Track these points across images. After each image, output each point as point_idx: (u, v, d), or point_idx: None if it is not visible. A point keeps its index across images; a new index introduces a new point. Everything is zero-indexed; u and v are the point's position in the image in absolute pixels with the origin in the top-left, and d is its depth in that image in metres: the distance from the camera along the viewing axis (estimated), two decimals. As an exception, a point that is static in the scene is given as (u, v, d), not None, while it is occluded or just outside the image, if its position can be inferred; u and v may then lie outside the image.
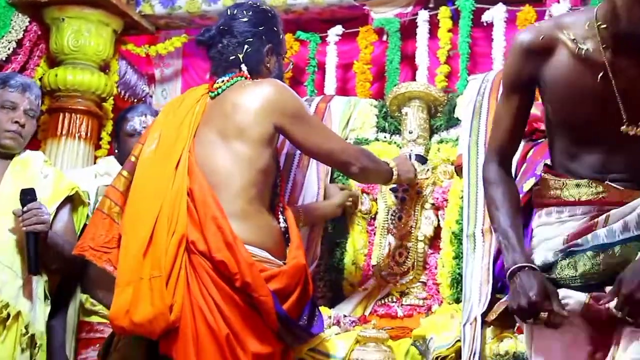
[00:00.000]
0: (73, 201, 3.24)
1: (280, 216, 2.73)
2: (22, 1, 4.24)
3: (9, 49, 4.19)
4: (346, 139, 3.58)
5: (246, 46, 2.78)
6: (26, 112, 3.15)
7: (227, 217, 2.48)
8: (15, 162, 3.15)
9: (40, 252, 2.94)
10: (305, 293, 2.60)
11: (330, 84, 4.18)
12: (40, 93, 3.29)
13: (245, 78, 2.77)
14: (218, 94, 2.76)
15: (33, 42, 4.33)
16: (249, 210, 2.55)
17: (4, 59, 4.17)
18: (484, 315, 2.69)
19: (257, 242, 2.52)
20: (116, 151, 3.68)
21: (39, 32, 4.36)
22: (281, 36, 2.92)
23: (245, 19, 2.81)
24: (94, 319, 3.23)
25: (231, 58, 2.79)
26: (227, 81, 2.77)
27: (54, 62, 4.39)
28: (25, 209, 2.91)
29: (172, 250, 2.43)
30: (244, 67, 2.78)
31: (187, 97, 2.85)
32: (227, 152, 2.60)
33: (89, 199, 3.38)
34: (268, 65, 2.84)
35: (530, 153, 2.97)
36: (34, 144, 4.32)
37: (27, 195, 2.94)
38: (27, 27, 4.30)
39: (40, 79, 4.32)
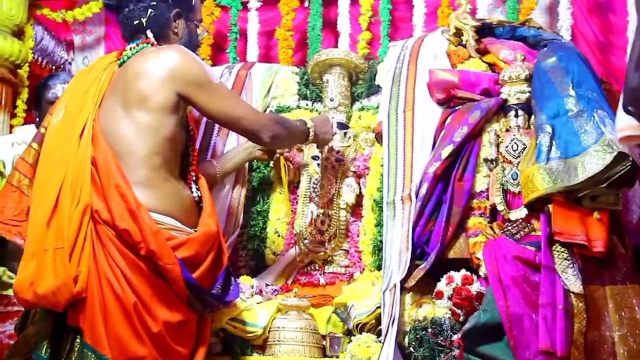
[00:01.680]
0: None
1: (193, 185, 2.69)
2: None
3: None
4: (267, 107, 3.56)
5: (150, 10, 2.70)
6: None
7: (132, 186, 2.44)
8: None
9: None
10: (218, 261, 2.57)
11: (253, 51, 4.14)
12: None
13: (152, 45, 2.70)
14: (124, 61, 2.69)
15: (-59, 8, 4.16)
16: (154, 178, 2.51)
17: None
18: (403, 281, 2.72)
19: (163, 210, 2.48)
20: (37, 119, 3.59)
21: (-53, -3, 4.18)
22: (192, 1, 2.83)
23: None
24: (11, 292, 3.15)
25: (135, 22, 2.71)
26: (133, 48, 2.70)
27: (-36, 27, 4.23)
28: None
29: (75, 220, 2.38)
30: (149, 33, 2.71)
31: (95, 66, 2.78)
32: (130, 121, 2.54)
33: (5, 168, 3.28)
34: (176, 30, 2.76)
35: (449, 120, 2.99)
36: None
37: None
38: None
39: (-50, 46, 4.16)
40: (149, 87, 2.56)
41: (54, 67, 4.56)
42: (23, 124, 4.19)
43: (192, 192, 2.67)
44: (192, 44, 2.81)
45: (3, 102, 4.16)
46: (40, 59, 4.50)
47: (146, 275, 2.39)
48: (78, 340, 2.40)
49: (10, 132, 4.07)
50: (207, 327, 2.62)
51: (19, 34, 4.31)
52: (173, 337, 2.42)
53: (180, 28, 2.77)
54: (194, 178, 2.71)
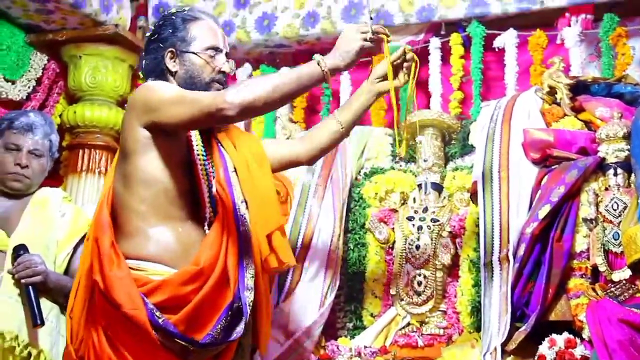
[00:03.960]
0: None
1: (206, 226, 2.51)
2: (41, 40, 4.30)
3: (28, 87, 4.25)
4: (362, 168, 3.61)
5: (144, 60, 2.62)
6: (31, 152, 3.17)
7: (120, 238, 2.42)
8: (34, 203, 3.17)
9: (52, 297, 3.01)
10: (214, 299, 2.38)
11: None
12: (50, 131, 3.27)
13: None
14: None
15: (52, 80, 4.39)
16: (141, 226, 2.42)
17: (24, 97, 4.22)
18: (504, 344, 2.69)
19: (145, 256, 2.40)
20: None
21: (57, 70, 4.41)
22: (186, 32, 2.56)
23: (149, 33, 2.70)
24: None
25: (142, 77, 2.68)
26: None
27: (72, 99, 4.45)
28: (15, 263, 2.94)
29: (82, 285, 2.50)
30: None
31: None
32: (118, 174, 2.49)
33: None
34: (174, 69, 2.54)
35: (545, 180, 2.97)
36: (58, 179, 4.41)
37: (19, 251, 2.97)
38: (45, 65, 4.36)
39: (60, 116, 4.39)
40: (122, 136, 2.50)
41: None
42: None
43: (204, 232, 2.49)
44: (193, 77, 2.54)
45: (109, 169, 4.34)
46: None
47: (122, 324, 2.34)
48: None
49: (115, 197, 4.22)
50: None
51: (122, 103, 4.50)
52: None
53: (178, 65, 2.55)
54: (207, 219, 2.50)
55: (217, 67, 2.55)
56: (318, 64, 2.37)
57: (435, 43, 4.02)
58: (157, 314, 2.30)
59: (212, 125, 2.51)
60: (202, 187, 2.49)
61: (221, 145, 2.57)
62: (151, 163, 2.42)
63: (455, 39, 3.98)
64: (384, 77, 2.70)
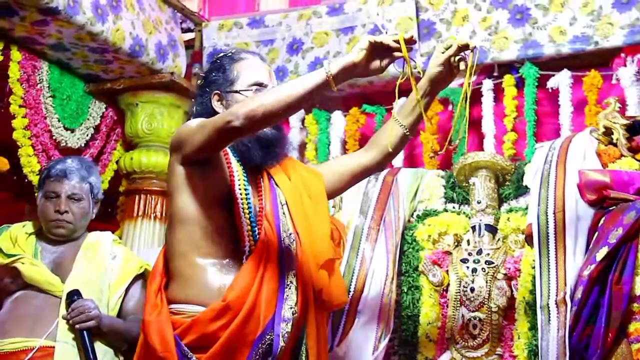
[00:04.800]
0: (144, 278, 3.30)
1: (244, 260, 2.46)
2: (99, 89, 4.43)
3: (87, 135, 4.38)
4: (414, 211, 3.59)
5: (194, 106, 2.64)
6: (70, 197, 3.22)
7: (170, 282, 2.45)
8: (86, 247, 3.24)
9: (107, 341, 3.08)
10: (242, 332, 2.35)
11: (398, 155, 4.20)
12: (88, 174, 3.29)
13: None
14: None
15: (109, 127, 4.52)
16: (182, 267, 2.43)
17: (82, 145, 4.34)
18: (563, 389, 2.64)
19: (183, 299, 2.41)
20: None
21: (115, 118, 4.55)
22: (230, 72, 2.58)
23: (198, 81, 2.73)
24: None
25: None
26: None
27: (129, 145, 4.57)
28: (70, 309, 3.00)
29: None
30: None
31: None
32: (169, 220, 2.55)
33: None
34: (220, 110, 2.52)
35: (602, 221, 2.92)
36: (115, 224, 4.50)
37: (72, 297, 3.03)
38: (103, 113, 4.49)
39: (117, 162, 4.50)
40: (167, 179, 2.56)
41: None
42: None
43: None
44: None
45: (164, 214, 4.39)
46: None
47: None
48: None
49: (171, 241, 4.28)
50: None
51: (177, 148, 4.58)
52: None
53: (225, 105, 2.55)
54: (246, 253, 2.45)
55: None
56: (323, 68, 2.25)
57: (488, 85, 4.02)
58: (189, 354, 2.31)
59: (228, 141, 2.41)
60: (241, 221, 2.44)
61: (272, 178, 2.58)
62: (187, 201, 2.44)
63: (508, 80, 3.98)
64: (439, 74, 2.46)
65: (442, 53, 2.41)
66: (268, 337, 2.36)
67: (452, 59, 2.39)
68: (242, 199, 2.45)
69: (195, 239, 2.42)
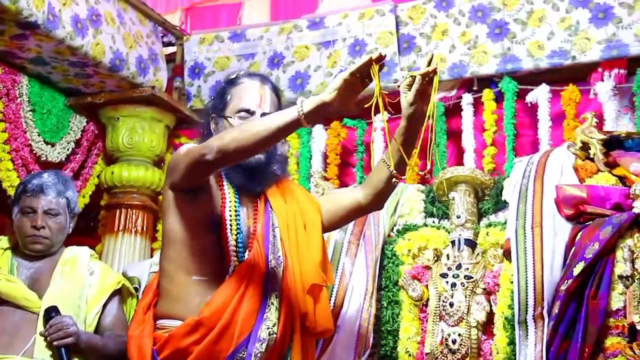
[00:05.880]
0: (122, 294, 3.31)
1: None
2: (79, 103, 4.41)
3: (68, 149, 4.35)
4: (394, 225, 3.60)
5: (201, 129, 2.68)
6: (46, 212, 3.19)
7: (158, 300, 2.53)
8: (63, 262, 3.21)
9: (84, 357, 3.05)
10: (214, 350, 2.36)
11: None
12: (65, 188, 3.25)
13: None
14: None
15: (90, 142, 4.49)
16: (170, 285, 2.48)
17: (63, 159, 4.32)
18: (540, 405, 2.64)
19: (171, 314, 2.45)
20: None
21: (96, 132, 4.52)
22: (225, 96, 2.60)
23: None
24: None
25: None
26: None
27: (110, 159, 4.55)
28: (47, 325, 2.98)
29: None
30: None
31: None
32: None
33: (140, 285, 3.51)
34: (215, 132, 2.57)
35: (579, 236, 2.94)
36: (96, 238, 4.48)
37: (50, 313, 3.01)
38: (84, 127, 4.46)
39: (98, 177, 4.48)
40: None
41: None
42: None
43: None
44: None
45: (145, 229, 4.40)
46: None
47: None
48: None
49: (152, 256, 4.27)
50: None
51: (159, 162, 4.58)
52: None
53: (220, 126, 2.57)
54: (229, 272, 2.44)
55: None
56: (296, 107, 2.21)
57: (467, 99, 4.04)
58: None
59: (204, 174, 2.41)
60: (227, 241, 2.45)
61: (269, 201, 2.60)
62: (175, 224, 2.48)
63: (488, 94, 4.00)
64: (414, 112, 2.33)
65: (409, 91, 2.30)
66: (240, 355, 2.37)
67: (419, 89, 2.30)
68: (230, 221, 2.47)
69: (182, 258, 2.47)
